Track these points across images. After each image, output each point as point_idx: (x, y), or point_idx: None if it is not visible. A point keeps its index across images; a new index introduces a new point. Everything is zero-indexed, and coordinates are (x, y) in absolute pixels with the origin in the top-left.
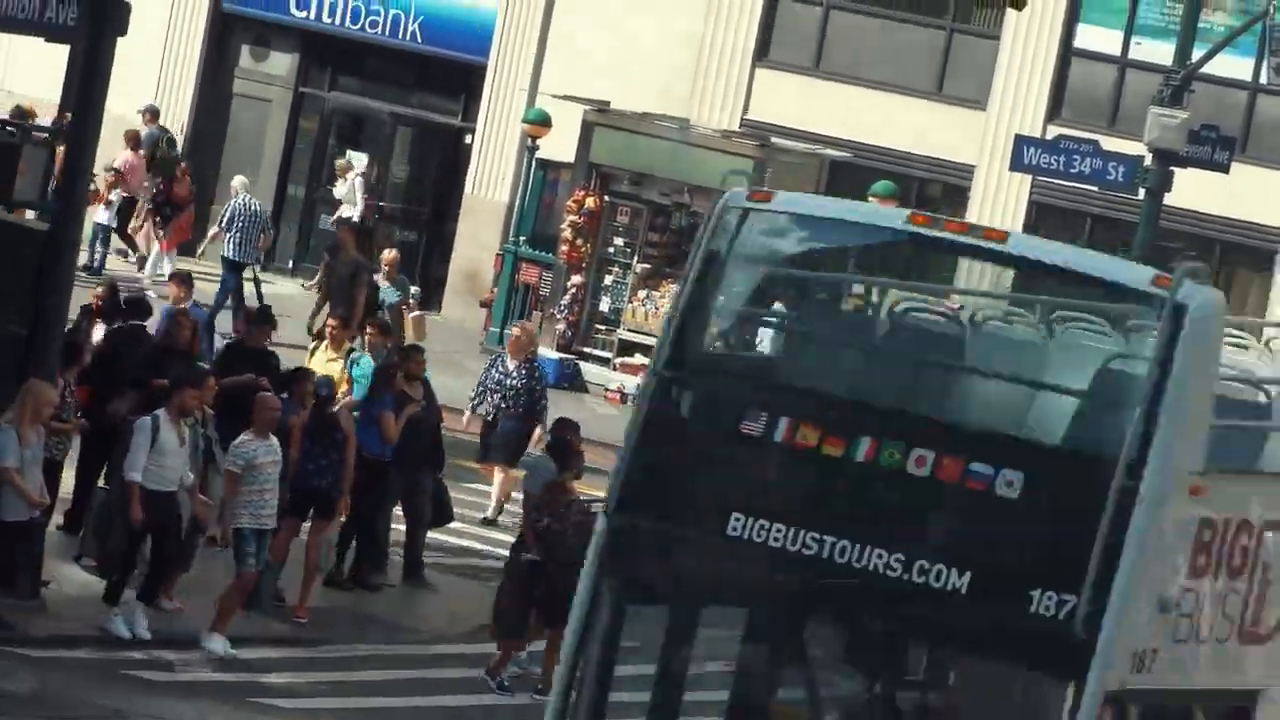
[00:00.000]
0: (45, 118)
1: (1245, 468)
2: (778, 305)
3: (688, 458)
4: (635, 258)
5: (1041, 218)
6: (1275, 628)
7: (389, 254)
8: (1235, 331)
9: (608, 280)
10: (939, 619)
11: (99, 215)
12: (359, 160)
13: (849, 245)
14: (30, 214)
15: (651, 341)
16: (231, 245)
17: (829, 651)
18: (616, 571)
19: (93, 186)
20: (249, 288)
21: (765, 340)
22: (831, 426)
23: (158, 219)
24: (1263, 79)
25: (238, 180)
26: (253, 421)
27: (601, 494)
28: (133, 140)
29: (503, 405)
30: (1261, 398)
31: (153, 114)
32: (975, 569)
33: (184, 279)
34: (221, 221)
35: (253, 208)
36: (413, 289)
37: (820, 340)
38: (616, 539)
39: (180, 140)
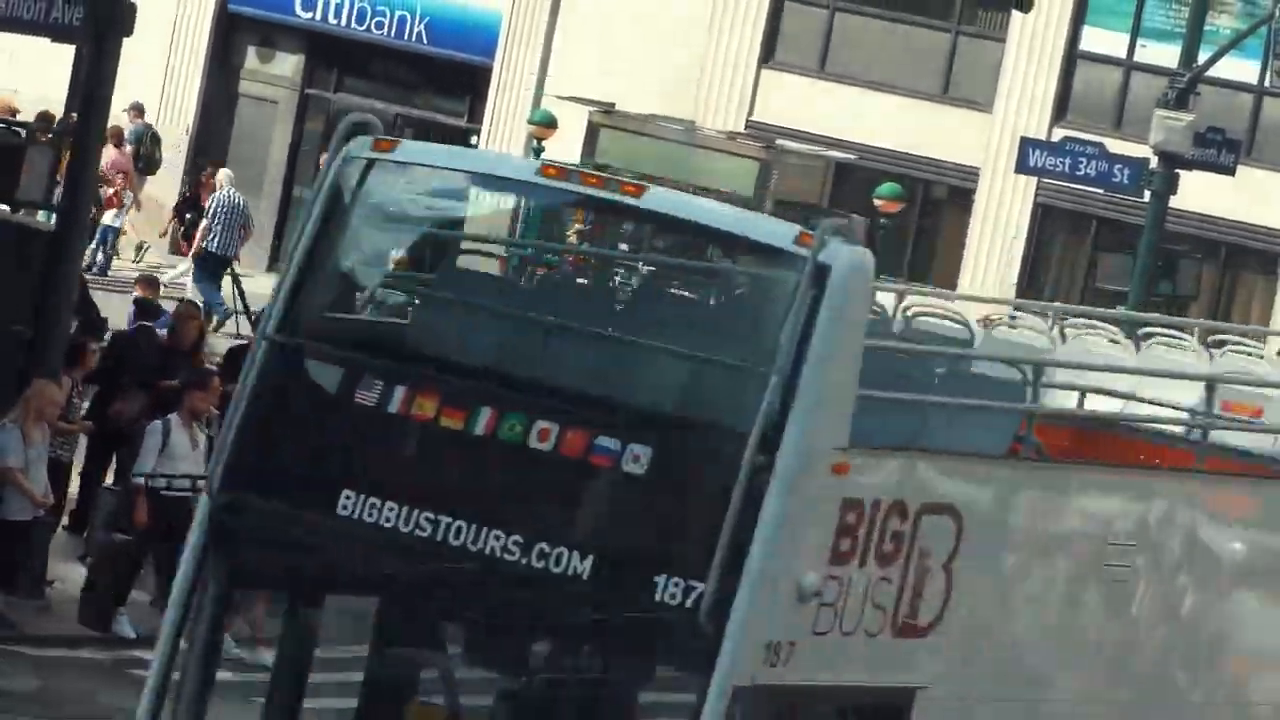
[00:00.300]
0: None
1: (900, 444)
2: (399, 264)
3: (296, 429)
4: (641, 264)
5: (1046, 220)
6: (935, 621)
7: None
8: (943, 308)
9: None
10: (559, 607)
11: (107, 217)
12: None
13: (481, 198)
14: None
15: None
16: (212, 238)
17: (450, 643)
18: (220, 554)
19: (111, 190)
20: (226, 285)
21: (386, 302)
22: (449, 396)
23: (182, 226)
24: (1268, 82)
25: (223, 173)
26: None
27: None
28: (116, 136)
29: None
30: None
31: (138, 110)
32: (598, 553)
33: (149, 281)
34: (206, 214)
35: (234, 200)
36: None
37: (442, 303)
38: (219, 518)
39: (185, 141)
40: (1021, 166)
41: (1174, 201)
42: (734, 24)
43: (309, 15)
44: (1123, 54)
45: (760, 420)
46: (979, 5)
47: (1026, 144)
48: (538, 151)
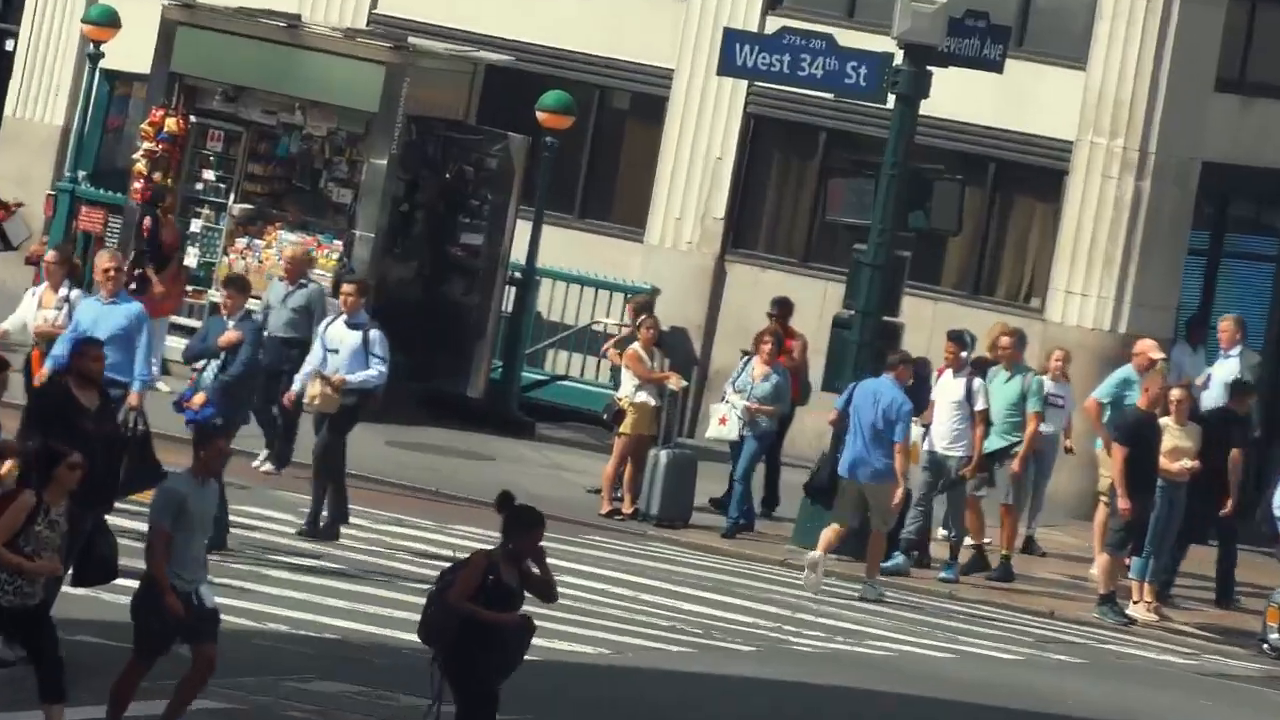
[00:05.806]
0: None
1: None
2: None
3: None
4: (232, 196)
5: (761, 135)
6: None
7: None
8: None
9: (196, 226)
10: None
11: None
12: None
13: None
14: None
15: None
16: None
17: None
18: None
19: None
20: None
21: None
22: None
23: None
24: None
25: None
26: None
27: None
28: None
29: None
30: None
31: None
32: None
33: None
34: None
35: None
36: None
37: None
38: None
39: None
40: (726, 66)
41: (925, 107)
42: None
43: None
44: None
45: None
46: None
47: (732, 37)
48: (95, 58)
